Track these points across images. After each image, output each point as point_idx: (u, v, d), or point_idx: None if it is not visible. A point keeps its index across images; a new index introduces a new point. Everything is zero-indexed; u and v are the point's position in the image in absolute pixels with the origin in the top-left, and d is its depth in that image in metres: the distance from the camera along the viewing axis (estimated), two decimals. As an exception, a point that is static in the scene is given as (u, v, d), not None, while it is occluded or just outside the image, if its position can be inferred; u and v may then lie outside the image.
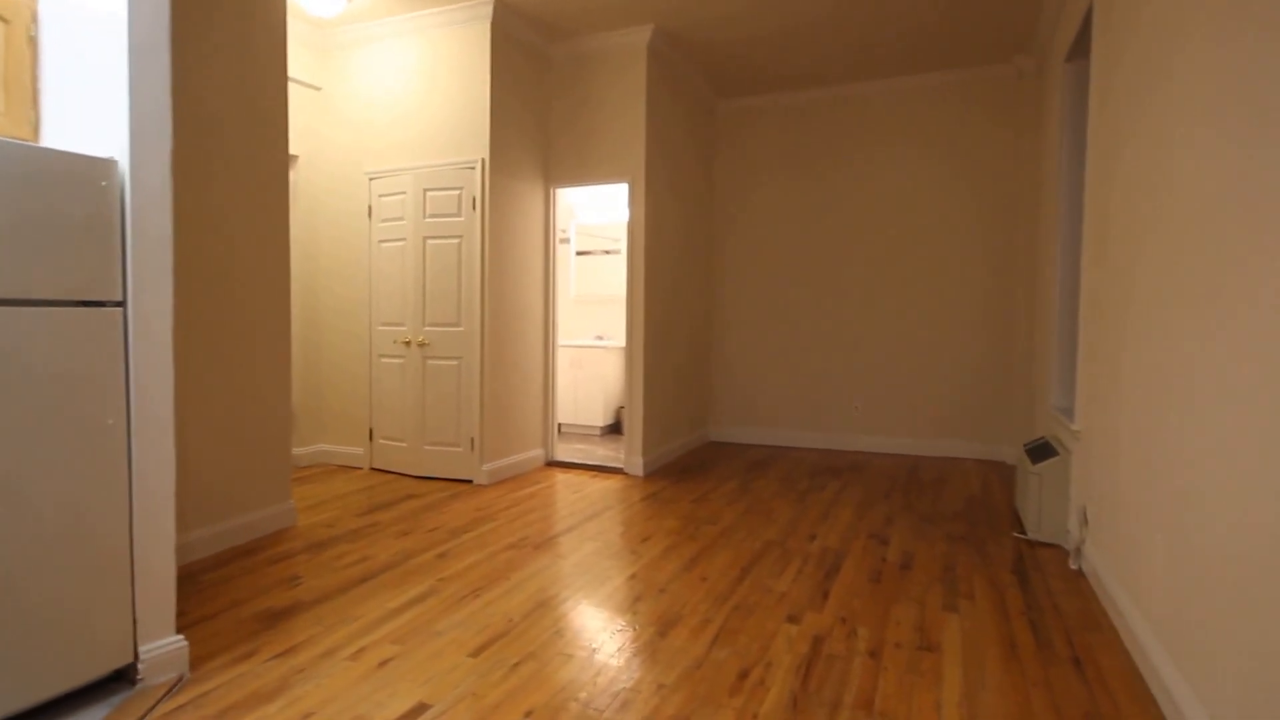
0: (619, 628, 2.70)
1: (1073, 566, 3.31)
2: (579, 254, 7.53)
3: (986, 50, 5.40)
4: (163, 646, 2.31)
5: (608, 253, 7.37)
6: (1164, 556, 2.20)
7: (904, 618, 2.75)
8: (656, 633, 2.66)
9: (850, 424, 6.36)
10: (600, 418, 6.94)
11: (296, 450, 5.55)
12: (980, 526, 4.02)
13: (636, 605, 2.92)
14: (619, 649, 2.53)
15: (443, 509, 4.41)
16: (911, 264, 6.08)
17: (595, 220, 7.48)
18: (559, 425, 7.22)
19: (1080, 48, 3.89)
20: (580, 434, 7.05)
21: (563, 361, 7.04)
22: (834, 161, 6.30)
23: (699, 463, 5.86)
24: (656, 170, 5.42)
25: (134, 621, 2.24)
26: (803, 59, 5.69)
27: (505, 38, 4.97)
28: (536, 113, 5.41)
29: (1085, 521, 3.24)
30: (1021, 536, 3.77)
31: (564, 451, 6.12)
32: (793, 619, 2.75)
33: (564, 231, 7.57)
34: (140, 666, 2.24)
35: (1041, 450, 3.84)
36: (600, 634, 2.65)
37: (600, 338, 7.43)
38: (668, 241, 5.72)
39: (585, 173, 5.44)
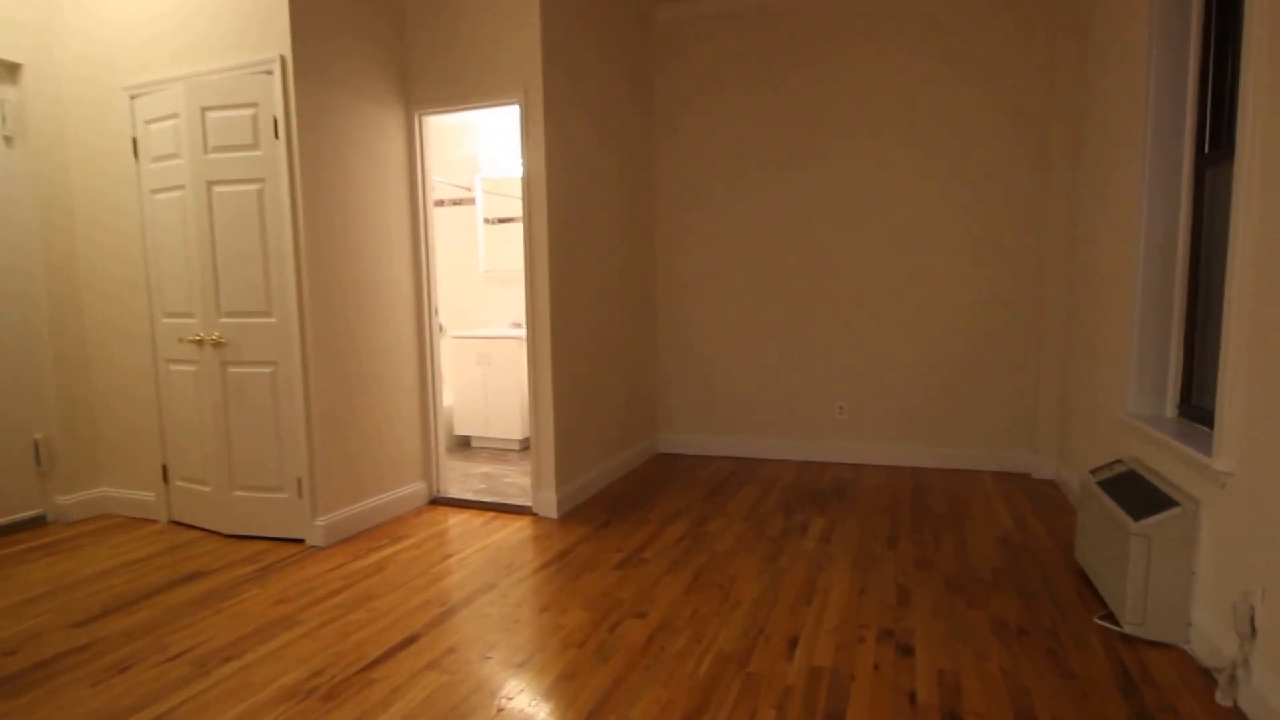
0: None
1: (1223, 702, 1.95)
2: (497, 221, 5.87)
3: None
4: None
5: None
6: None
7: None
8: None
9: (833, 428, 4.85)
10: (518, 429, 5.36)
11: (61, 500, 3.88)
12: (1040, 602, 2.59)
13: None
14: None
15: (224, 603, 2.81)
16: (911, 222, 4.55)
17: (508, 173, 5.83)
18: (468, 440, 5.63)
19: None
20: (496, 449, 5.47)
21: (466, 358, 5.43)
22: (816, 86, 4.71)
23: (640, 489, 4.30)
24: (561, 85, 3.80)
25: None
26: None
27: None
28: None
29: (1252, 629, 1.89)
30: (1109, 625, 2.40)
31: (461, 480, 4.53)
32: None
33: (468, 190, 5.93)
34: None
35: (1133, 489, 2.47)
36: None
37: (518, 325, 5.83)
38: (584, 189, 4.10)
39: (460, 91, 3.79)
